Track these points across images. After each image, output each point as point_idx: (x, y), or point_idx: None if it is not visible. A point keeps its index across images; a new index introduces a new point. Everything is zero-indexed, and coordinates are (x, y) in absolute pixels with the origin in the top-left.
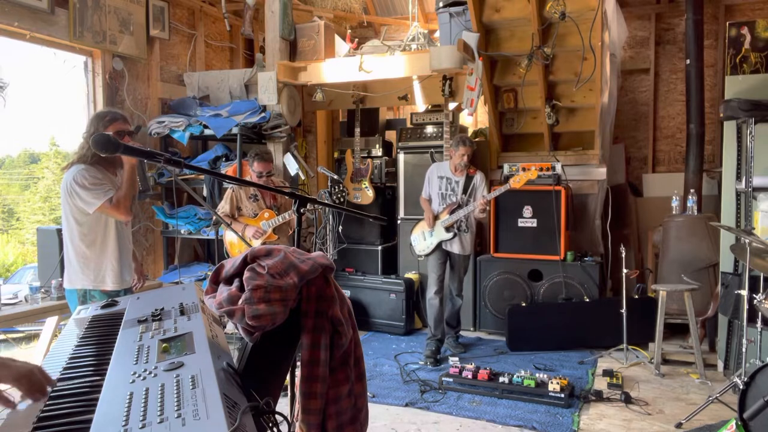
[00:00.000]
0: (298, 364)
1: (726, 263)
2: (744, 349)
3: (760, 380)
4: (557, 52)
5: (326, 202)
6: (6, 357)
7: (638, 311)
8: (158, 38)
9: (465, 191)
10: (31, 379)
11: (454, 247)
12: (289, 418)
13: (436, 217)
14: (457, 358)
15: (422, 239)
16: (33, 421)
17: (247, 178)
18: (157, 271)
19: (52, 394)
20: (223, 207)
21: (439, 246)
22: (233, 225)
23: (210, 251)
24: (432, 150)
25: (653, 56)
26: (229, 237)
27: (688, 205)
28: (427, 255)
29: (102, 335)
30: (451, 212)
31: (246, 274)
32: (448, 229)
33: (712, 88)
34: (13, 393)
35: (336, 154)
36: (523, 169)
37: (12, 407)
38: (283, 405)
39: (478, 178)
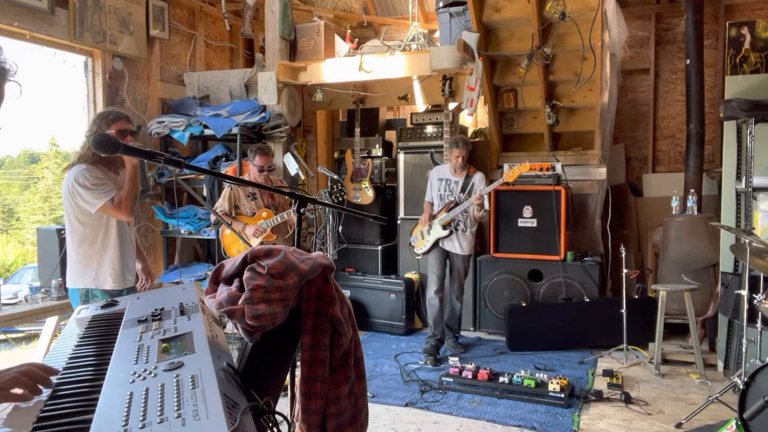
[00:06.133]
0: (298, 364)
1: (726, 263)
2: (744, 349)
3: (760, 380)
4: (557, 52)
5: (326, 202)
6: None
7: (638, 311)
8: (158, 38)
9: (463, 190)
10: (30, 376)
11: (452, 246)
12: (289, 418)
13: (434, 217)
14: (457, 358)
15: (420, 237)
16: (33, 421)
17: (247, 176)
18: (157, 271)
19: (52, 394)
20: (222, 205)
21: (436, 244)
22: (232, 225)
23: (210, 251)
24: (432, 150)
25: (653, 56)
26: (227, 239)
27: (688, 205)
28: (425, 253)
29: (102, 335)
30: (449, 210)
31: (246, 274)
32: (445, 226)
33: (712, 88)
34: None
35: (336, 154)
36: None
37: (27, 400)
38: (283, 405)
39: (477, 177)
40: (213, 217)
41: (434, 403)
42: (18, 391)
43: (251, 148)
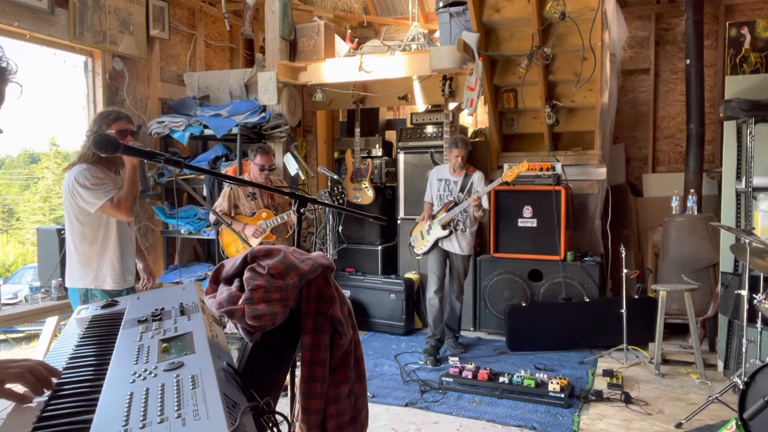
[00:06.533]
0: (298, 364)
1: (726, 263)
2: (744, 349)
3: (760, 380)
4: (557, 52)
5: (326, 202)
6: (3, 359)
7: (638, 311)
8: (158, 38)
9: (462, 190)
10: (34, 374)
11: (451, 246)
12: (289, 418)
13: (433, 217)
14: (457, 358)
15: (420, 238)
16: (33, 421)
17: (247, 175)
18: (157, 271)
19: (52, 394)
20: (221, 204)
21: (436, 244)
22: (232, 225)
23: (210, 251)
24: (432, 150)
25: (653, 56)
26: (226, 238)
27: (688, 205)
28: (425, 253)
29: (102, 335)
30: (448, 210)
31: (246, 274)
32: (444, 226)
33: (712, 88)
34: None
35: (336, 154)
36: None
37: (28, 401)
38: (283, 405)
39: (476, 176)
40: (212, 217)
41: (434, 403)
42: (19, 389)
43: (252, 148)
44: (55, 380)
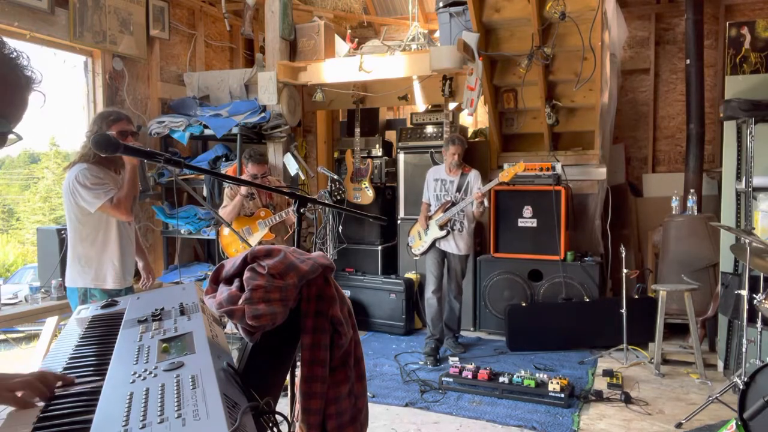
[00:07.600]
0: (298, 364)
1: (726, 263)
2: (744, 349)
3: (760, 380)
4: (557, 52)
5: (326, 202)
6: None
7: (638, 311)
8: (158, 38)
9: (459, 189)
10: (42, 381)
11: (449, 247)
12: (289, 418)
13: (430, 217)
14: (457, 358)
15: (418, 238)
16: (33, 421)
17: (244, 177)
18: (157, 271)
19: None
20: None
21: (434, 245)
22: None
23: (210, 251)
24: (432, 150)
25: (653, 56)
26: (226, 239)
27: (688, 205)
28: (422, 254)
29: (102, 335)
30: (445, 210)
31: (246, 274)
32: (441, 227)
33: (712, 88)
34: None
35: (336, 154)
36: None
37: (32, 406)
38: (283, 405)
39: (473, 175)
40: (216, 216)
41: (434, 403)
42: (20, 393)
43: (245, 155)
44: (59, 384)
